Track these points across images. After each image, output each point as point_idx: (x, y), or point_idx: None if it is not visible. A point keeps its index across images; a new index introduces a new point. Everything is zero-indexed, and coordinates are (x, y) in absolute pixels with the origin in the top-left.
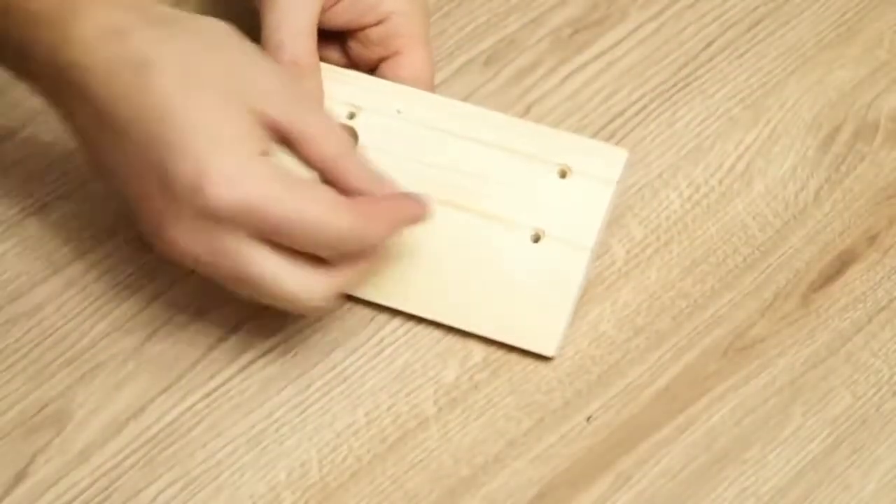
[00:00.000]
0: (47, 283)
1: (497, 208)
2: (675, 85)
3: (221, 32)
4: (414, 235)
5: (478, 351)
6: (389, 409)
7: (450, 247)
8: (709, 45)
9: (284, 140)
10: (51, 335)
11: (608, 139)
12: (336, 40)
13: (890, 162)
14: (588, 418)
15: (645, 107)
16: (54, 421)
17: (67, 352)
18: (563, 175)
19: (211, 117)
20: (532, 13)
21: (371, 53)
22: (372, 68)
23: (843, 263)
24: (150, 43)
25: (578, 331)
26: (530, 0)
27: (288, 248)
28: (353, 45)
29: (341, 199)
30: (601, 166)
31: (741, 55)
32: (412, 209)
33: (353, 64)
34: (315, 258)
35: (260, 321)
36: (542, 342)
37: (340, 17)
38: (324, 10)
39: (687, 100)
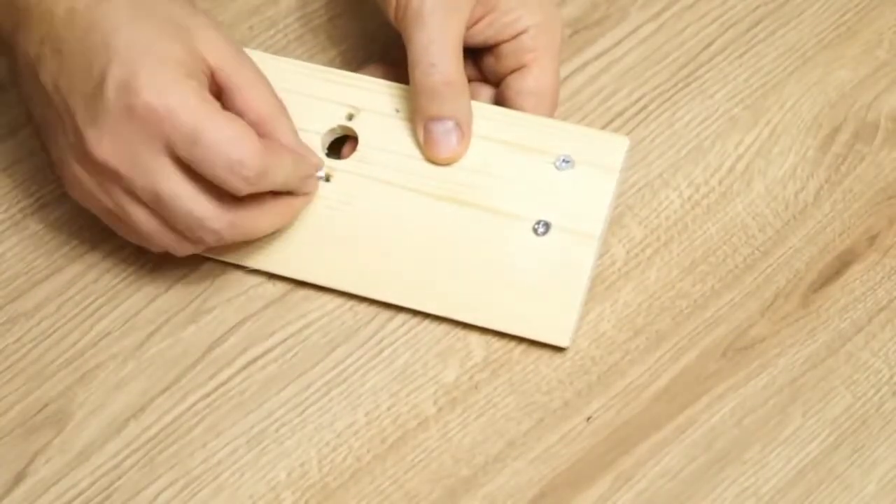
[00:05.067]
0: (47, 282)
1: (501, 202)
2: (675, 85)
3: None
4: (421, 233)
5: (478, 351)
6: (389, 409)
7: (457, 243)
8: (709, 45)
9: (220, 90)
10: (51, 335)
11: None
12: (467, 55)
13: (890, 162)
14: (588, 418)
15: (645, 107)
16: (54, 421)
17: (67, 352)
18: (565, 166)
19: (157, 41)
20: None
21: (503, 67)
22: (500, 81)
23: (843, 263)
24: None
25: (578, 331)
26: None
27: (198, 176)
28: (488, 60)
29: (254, 132)
30: (603, 155)
31: (741, 55)
32: (312, 166)
33: (483, 77)
34: (219, 191)
35: (260, 321)
36: (556, 333)
37: (480, 35)
38: (465, 30)
39: (687, 100)
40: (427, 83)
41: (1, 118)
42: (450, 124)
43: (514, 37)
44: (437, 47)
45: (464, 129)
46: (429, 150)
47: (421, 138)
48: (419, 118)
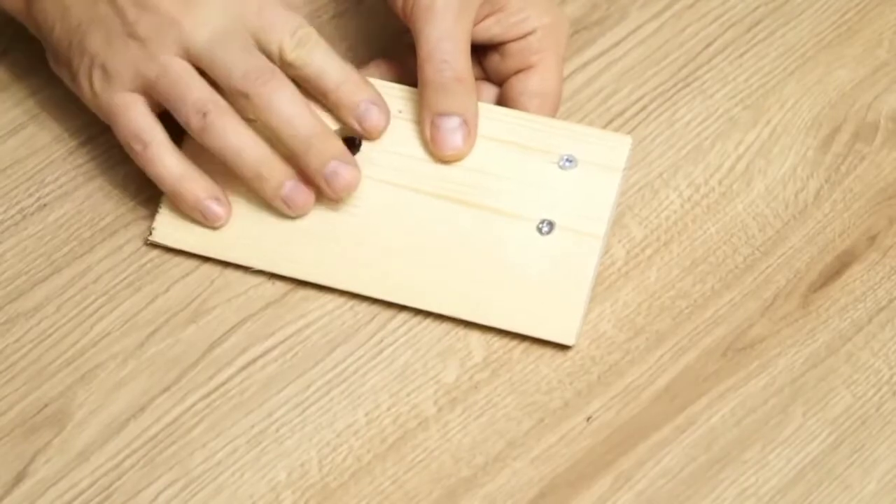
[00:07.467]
0: (47, 282)
1: (505, 202)
2: (675, 85)
3: None
4: (425, 233)
5: (478, 351)
6: (389, 409)
7: (461, 243)
8: (709, 45)
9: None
10: (51, 335)
11: None
12: (472, 53)
13: (890, 162)
14: (588, 418)
15: (645, 107)
16: (54, 421)
17: (67, 352)
18: (569, 165)
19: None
20: None
21: (508, 67)
22: (504, 80)
23: (843, 263)
24: None
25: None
26: None
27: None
28: (492, 59)
29: None
30: (606, 154)
31: (741, 55)
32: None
33: (486, 76)
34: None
35: (260, 321)
36: (561, 332)
37: (486, 32)
38: (473, 26)
39: (687, 100)
40: (437, 79)
41: (1, 118)
42: (457, 121)
43: (522, 37)
44: (448, 44)
45: (470, 126)
46: (435, 147)
47: (427, 134)
48: (427, 113)
